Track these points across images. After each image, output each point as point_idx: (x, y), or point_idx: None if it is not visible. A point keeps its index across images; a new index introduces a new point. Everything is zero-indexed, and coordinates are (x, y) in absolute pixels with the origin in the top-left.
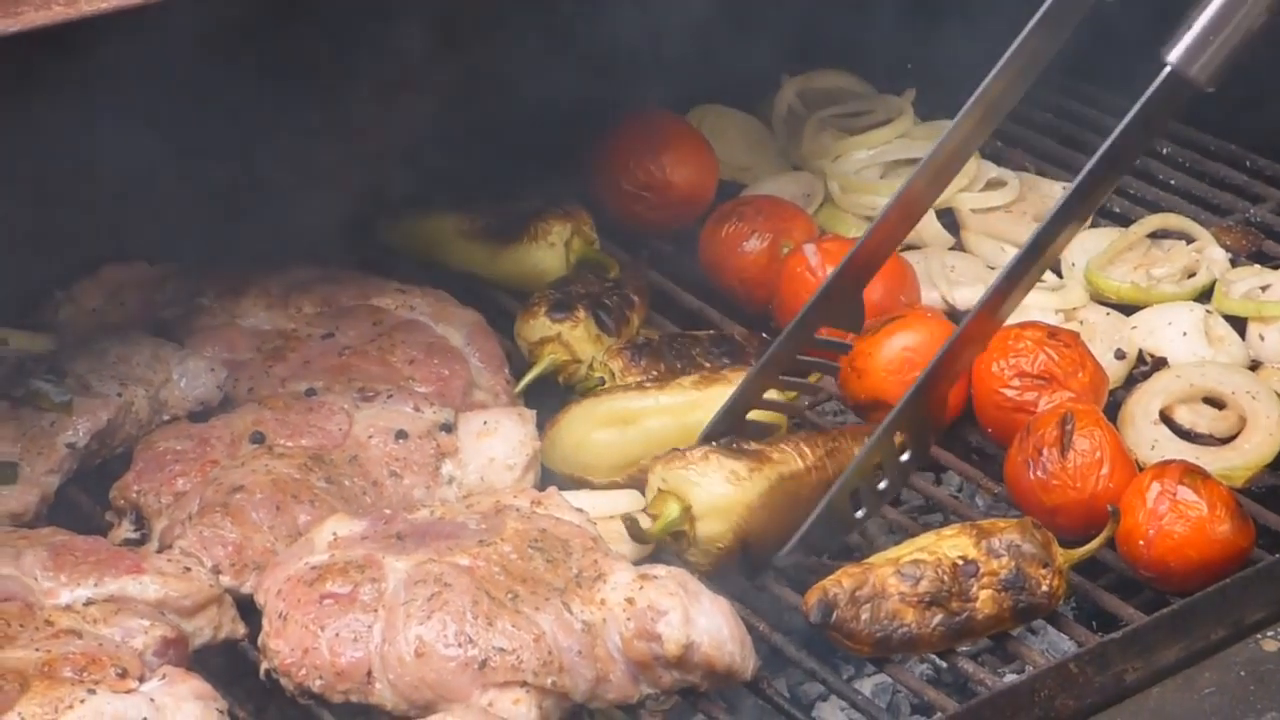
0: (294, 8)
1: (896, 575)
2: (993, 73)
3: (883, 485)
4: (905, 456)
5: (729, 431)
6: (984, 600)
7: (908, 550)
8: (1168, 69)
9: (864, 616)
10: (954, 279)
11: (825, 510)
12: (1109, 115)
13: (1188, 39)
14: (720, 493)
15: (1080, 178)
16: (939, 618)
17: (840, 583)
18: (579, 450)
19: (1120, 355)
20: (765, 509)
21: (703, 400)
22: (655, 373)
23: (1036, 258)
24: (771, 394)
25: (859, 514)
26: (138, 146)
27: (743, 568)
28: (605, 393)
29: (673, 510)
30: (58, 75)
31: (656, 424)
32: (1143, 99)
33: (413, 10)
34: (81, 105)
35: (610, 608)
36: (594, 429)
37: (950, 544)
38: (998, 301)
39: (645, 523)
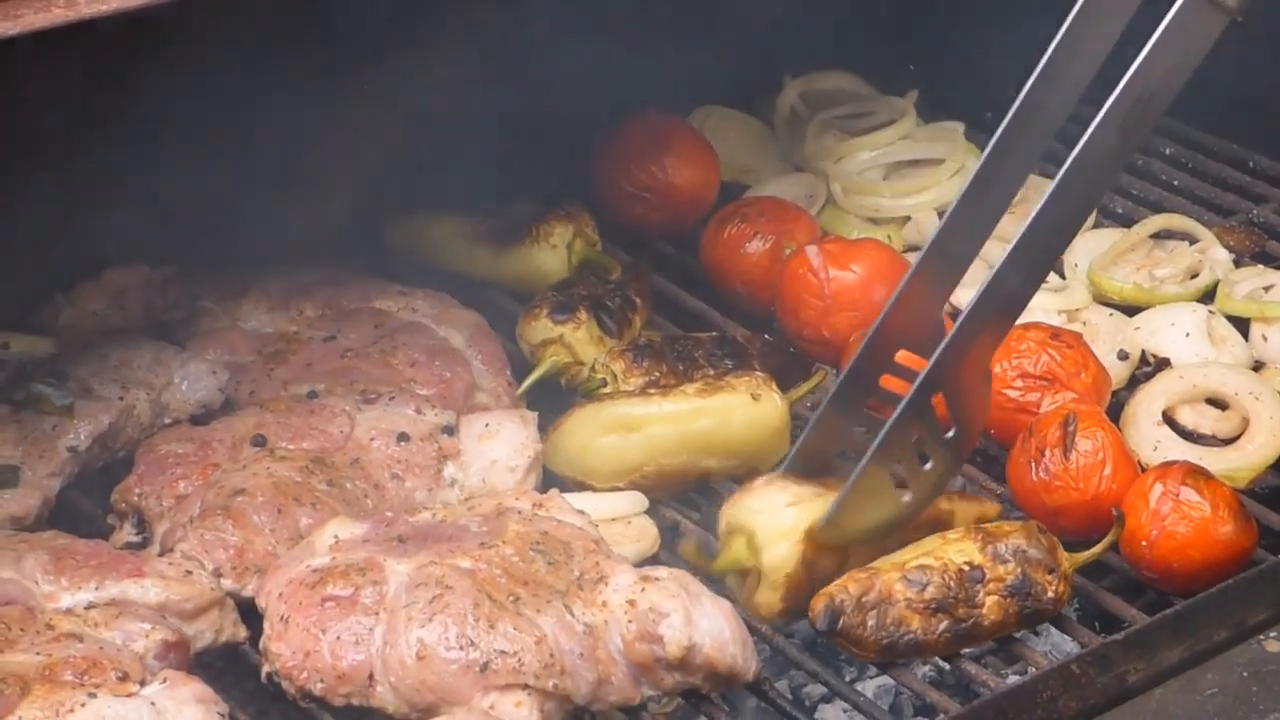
0: (298, 12)
1: (903, 581)
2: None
3: (928, 466)
4: (951, 433)
5: (818, 472)
6: (990, 606)
7: (913, 555)
8: None
9: (870, 623)
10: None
11: (859, 491)
12: None
13: None
14: (783, 517)
15: (1090, 131)
16: (945, 624)
17: (846, 588)
18: (582, 454)
19: (1123, 356)
20: (833, 554)
21: (707, 408)
22: (657, 374)
23: (1069, 199)
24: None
25: (905, 498)
26: (138, 149)
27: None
28: (609, 398)
29: (740, 546)
30: (56, 78)
31: (660, 431)
32: (1167, 18)
33: (415, 13)
34: (81, 108)
35: (612, 610)
36: (598, 434)
37: (956, 549)
38: (1035, 237)
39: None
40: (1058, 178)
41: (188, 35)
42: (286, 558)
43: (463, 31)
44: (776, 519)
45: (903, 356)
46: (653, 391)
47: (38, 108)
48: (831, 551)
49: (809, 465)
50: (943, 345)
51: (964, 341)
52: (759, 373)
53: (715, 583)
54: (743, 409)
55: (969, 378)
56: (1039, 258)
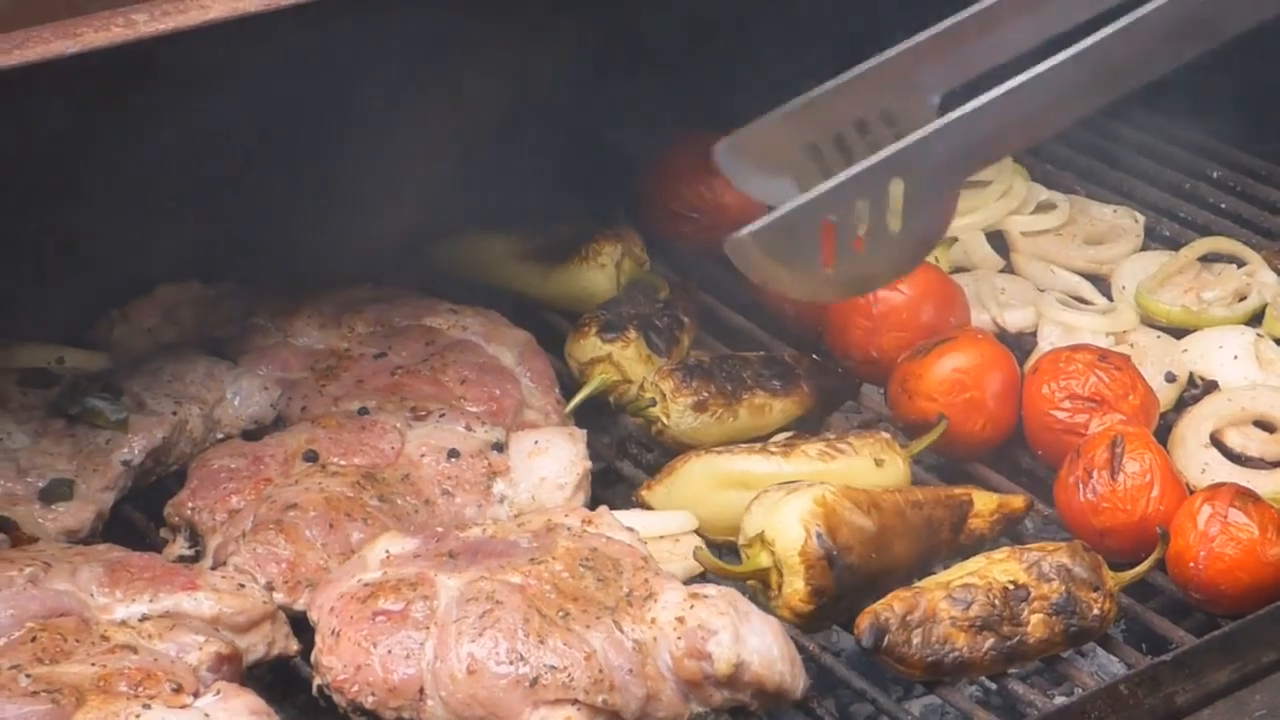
0: (349, 31)
1: (948, 600)
2: None
3: (863, 251)
4: (897, 230)
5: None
6: (1035, 624)
7: (958, 574)
8: None
9: (915, 641)
10: (1004, 301)
11: (784, 224)
12: (1161, 140)
13: None
14: (785, 504)
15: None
16: (990, 642)
17: (891, 607)
18: (696, 505)
19: (1171, 378)
20: (846, 528)
21: (829, 474)
22: (706, 394)
23: (1093, 63)
24: None
25: (826, 269)
26: (192, 166)
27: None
28: (727, 450)
29: (757, 550)
30: (113, 96)
31: None
32: None
33: (464, 33)
34: (136, 126)
35: (661, 626)
36: (714, 488)
37: (1000, 568)
38: (1054, 80)
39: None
40: (1091, 39)
41: (240, 55)
42: (338, 572)
43: (511, 50)
44: (779, 507)
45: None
46: (774, 450)
47: (89, 125)
48: (845, 525)
49: (744, 151)
50: (922, 131)
51: (944, 142)
52: (882, 433)
53: (758, 604)
54: (865, 475)
55: (935, 186)
56: (1048, 105)
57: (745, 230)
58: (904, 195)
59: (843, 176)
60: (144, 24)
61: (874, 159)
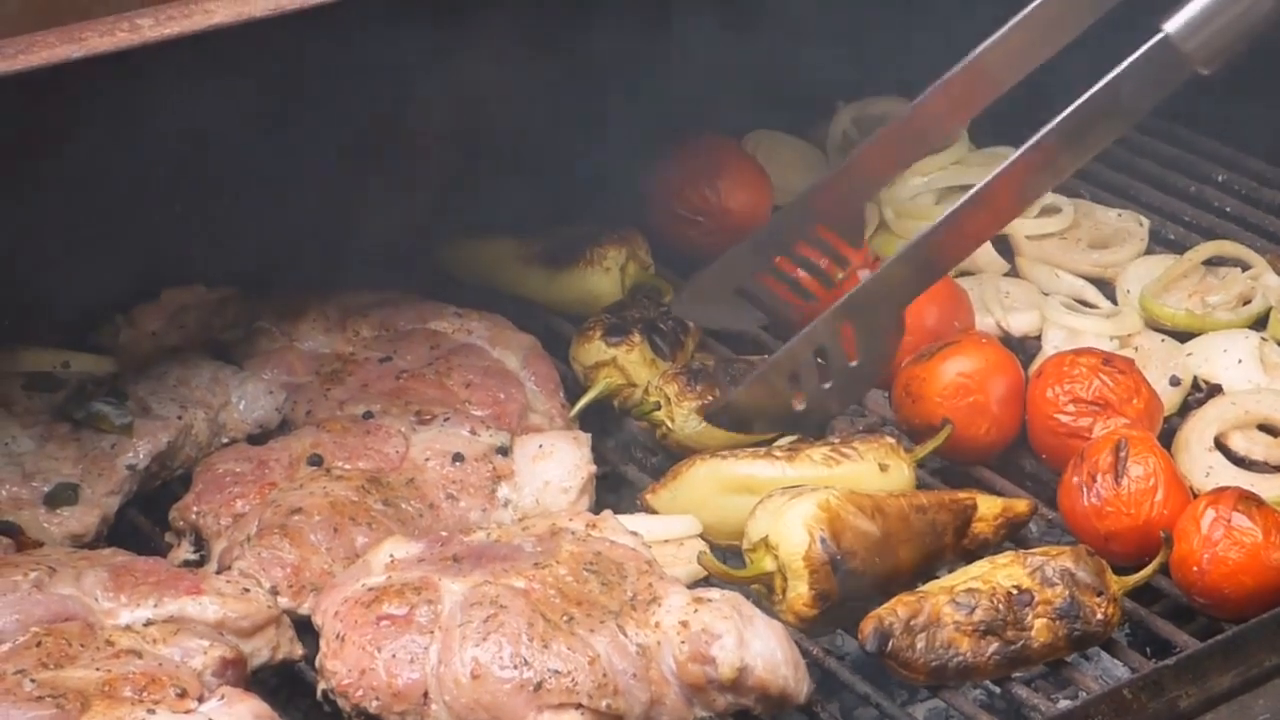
0: (351, 34)
1: (951, 604)
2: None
3: (827, 385)
4: (854, 364)
5: (707, 301)
6: (1039, 629)
7: (962, 579)
8: (1161, 35)
9: (919, 645)
10: (1009, 305)
11: (757, 384)
12: (1166, 143)
13: (1188, 11)
14: (788, 509)
15: (1040, 134)
16: (994, 646)
17: (895, 611)
18: (700, 509)
19: (1175, 382)
20: (850, 532)
21: (834, 479)
22: (710, 398)
23: (977, 208)
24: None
25: (797, 405)
26: (196, 170)
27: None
28: (731, 455)
29: (760, 554)
30: (117, 98)
31: None
32: (1129, 60)
33: (471, 36)
34: (139, 130)
35: (665, 630)
36: (718, 492)
37: (1004, 573)
38: (971, 213)
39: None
40: (993, 172)
41: (243, 59)
42: (342, 576)
43: (518, 54)
44: (783, 512)
45: (825, 233)
46: (778, 454)
47: (94, 128)
48: (849, 530)
49: (701, 294)
50: (862, 282)
51: (883, 283)
52: (887, 438)
53: (763, 608)
54: (870, 480)
55: (881, 320)
56: (969, 234)
57: (722, 400)
58: (856, 334)
59: (798, 335)
60: (149, 29)
61: (825, 313)
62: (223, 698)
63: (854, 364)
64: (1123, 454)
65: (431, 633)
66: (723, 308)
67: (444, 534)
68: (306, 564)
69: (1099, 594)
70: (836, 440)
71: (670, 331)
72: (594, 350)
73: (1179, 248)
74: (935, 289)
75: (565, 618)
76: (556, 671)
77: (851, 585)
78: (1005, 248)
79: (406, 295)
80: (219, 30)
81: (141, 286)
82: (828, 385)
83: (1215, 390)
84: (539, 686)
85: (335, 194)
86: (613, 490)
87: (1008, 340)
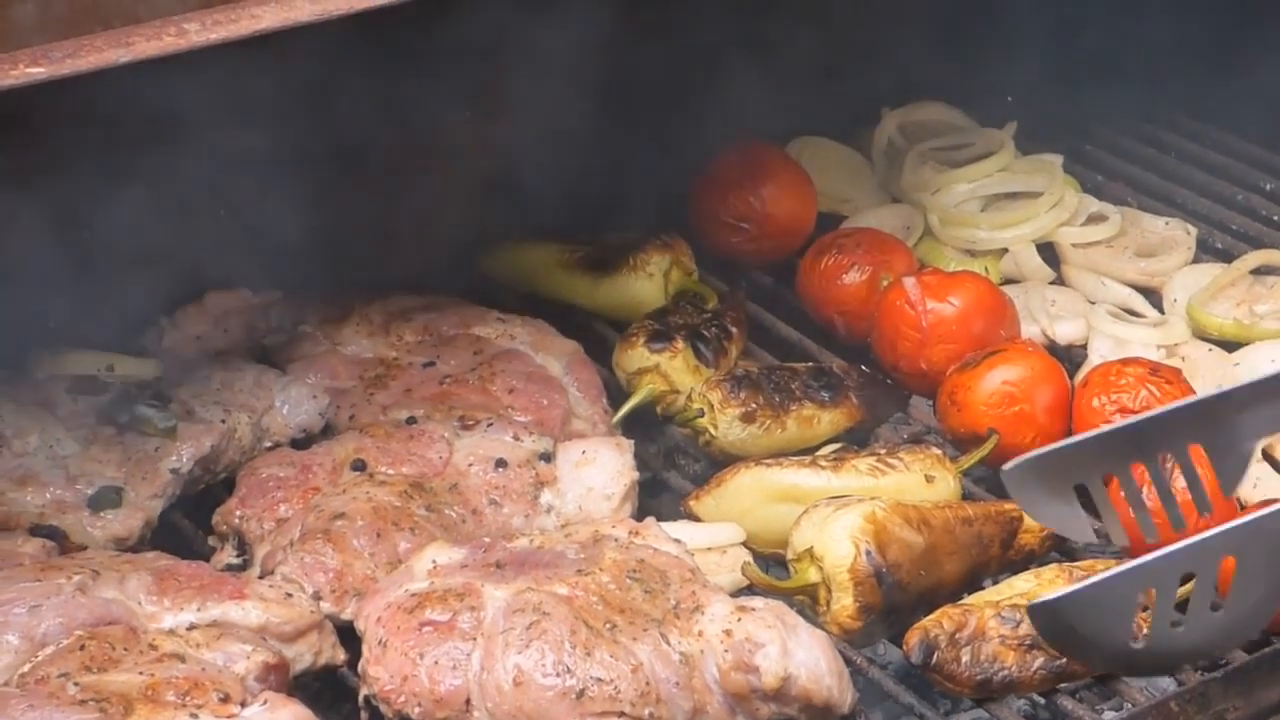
0: (400, 37)
1: (997, 618)
2: None
3: (1179, 628)
4: (1222, 609)
5: (1036, 486)
6: None
7: (1008, 593)
8: None
9: (964, 659)
10: (1054, 313)
11: (1093, 595)
12: (1212, 150)
13: None
14: (834, 520)
15: None
16: (1040, 661)
17: (940, 624)
18: (745, 517)
19: None
20: (896, 544)
21: (879, 489)
22: (754, 405)
23: None
24: None
25: (1135, 644)
26: (241, 175)
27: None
28: (776, 463)
29: (805, 565)
30: (161, 104)
31: None
32: None
33: (513, 40)
34: (185, 134)
35: (708, 639)
36: (766, 500)
37: (1050, 588)
38: None
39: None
40: None
41: (289, 65)
42: (385, 582)
43: (564, 59)
44: (828, 523)
45: (1199, 459)
46: (823, 464)
47: (139, 131)
48: (895, 542)
49: (1036, 474)
50: (1262, 510)
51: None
52: (933, 449)
53: (807, 618)
54: (915, 491)
55: (1271, 562)
56: None
57: (1051, 595)
58: (1235, 573)
59: (1171, 549)
60: (195, 33)
61: (1208, 533)
62: (265, 703)
63: (1221, 609)
64: (1169, 465)
65: (474, 639)
66: (1057, 503)
67: (487, 540)
68: (349, 569)
69: (1145, 609)
70: (881, 450)
71: (713, 338)
72: (637, 356)
73: (1226, 256)
74: (981, 297)
75: (608, 625)
76: (599, 679)
77: (897, 598)
78: (1051, 256)
79: (450, 300)
80: (261, 35)
81: (186, 290)
82: (1180, 627)
83: None
84: (581, 694)
85: (378, 198)
86: (655, 496)
87: (1054, 349)
